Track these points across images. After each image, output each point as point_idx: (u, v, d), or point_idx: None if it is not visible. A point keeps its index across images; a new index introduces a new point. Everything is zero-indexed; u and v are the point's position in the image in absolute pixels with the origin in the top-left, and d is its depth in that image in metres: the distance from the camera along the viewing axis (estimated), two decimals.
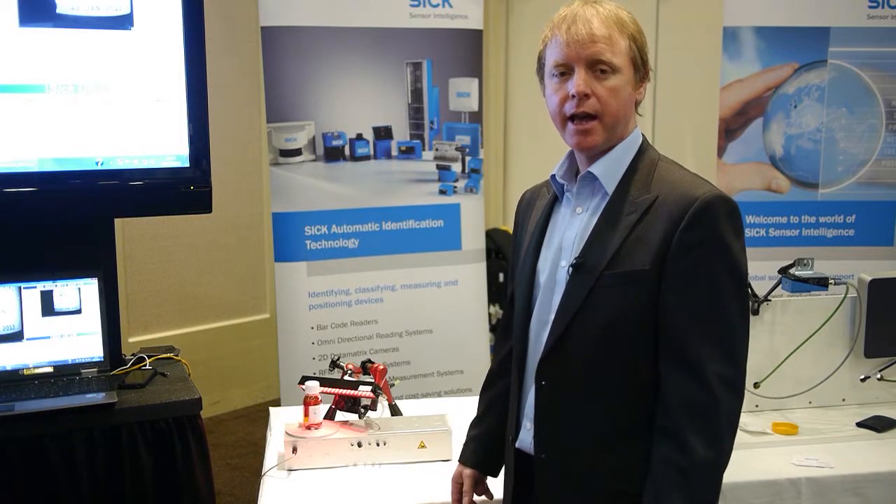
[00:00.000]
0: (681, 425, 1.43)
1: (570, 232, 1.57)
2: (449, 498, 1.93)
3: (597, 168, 1.54)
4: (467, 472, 1.83)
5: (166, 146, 2.74)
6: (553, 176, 1.62)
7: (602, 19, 1.49)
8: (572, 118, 1.51)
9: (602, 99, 1.49)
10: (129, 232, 4.34)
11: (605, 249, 1.49)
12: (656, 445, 1.47)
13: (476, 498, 1.84)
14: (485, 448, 1.82)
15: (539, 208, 1.68)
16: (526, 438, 1.62)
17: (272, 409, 2.55)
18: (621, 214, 1.50)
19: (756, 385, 2.40)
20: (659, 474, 1.45)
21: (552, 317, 1.55)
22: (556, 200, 1.65)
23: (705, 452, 1.42)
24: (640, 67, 1.53)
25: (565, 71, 1.51)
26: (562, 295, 1.54)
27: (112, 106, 2.67)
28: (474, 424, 1.88)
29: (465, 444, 1.87)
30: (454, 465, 2.13)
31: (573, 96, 1.49)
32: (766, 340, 2.40)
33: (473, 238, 3.58)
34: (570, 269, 1.52)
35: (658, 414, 1.47)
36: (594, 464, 1.53)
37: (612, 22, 1.49)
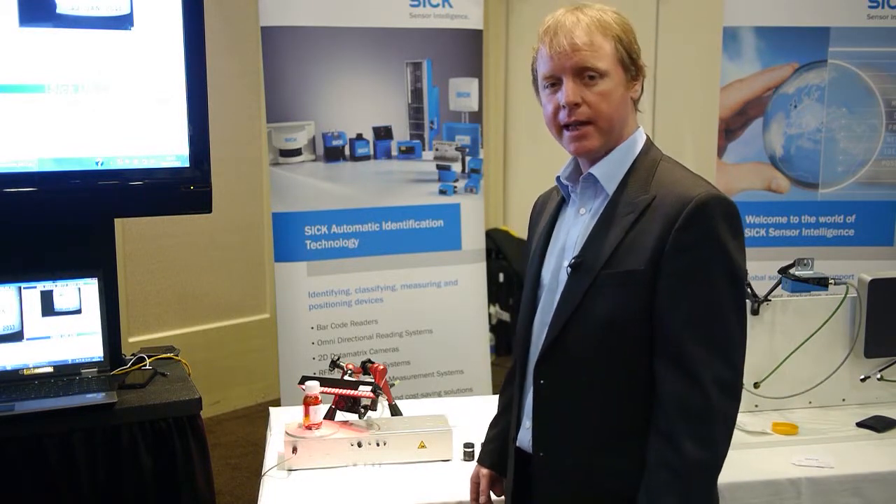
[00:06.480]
0: (675, 427, 1.43)
1: (573, 233, 1.58)
2: (449, 498, 1.94)
3: (597, 170, 1.55)
4: (484, 472, 1.84)
5: (166, 146, 2.74)
6: (558, 178, 1.63)
7: (584, 27, 1.49)
8: (567, 126, 1.52)
9: (593, 105, 1.50)
10: (129, 232, 4.34)
11: (602, 249, 1.49)
12: (651, 447, 1.47)
13: (494, 498, 1.85)
14: (500, 448, 1.82)
15: (549, 211, 1.69)
16: (525, 437, 1.63)
17: (272, 409, 2.55)
18: (619, 215, 1.50)
19: (756, 385, 2.40)
20: (653, 476, 1.45)
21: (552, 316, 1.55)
22: (563, 203, 1.66)
23: (699, 455, 1.42)
24: (630, 66, 1.53)
25: (555, 82, 1.52)
26: (560, 294, 1.54)
27: (112, 106, 2.67)
28: (492, 425, 1.89)
29: (483, 445, 1.89)
30: (454, 465, 2.14)
31: (564, 106, 1.50)
32: (766, 340, 2.40)
33: (473, 238, 3.58)
34: (569, 268, 1.53)
35: (654, 415, 1.47)
36: (591, 463, 1.53)
37: (595, 27, 1.49)
